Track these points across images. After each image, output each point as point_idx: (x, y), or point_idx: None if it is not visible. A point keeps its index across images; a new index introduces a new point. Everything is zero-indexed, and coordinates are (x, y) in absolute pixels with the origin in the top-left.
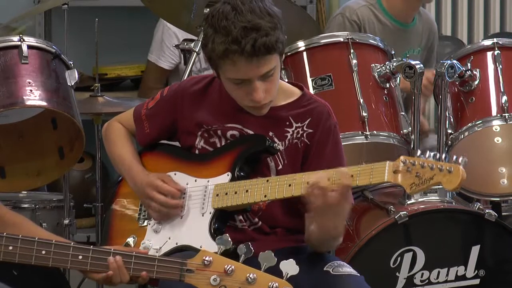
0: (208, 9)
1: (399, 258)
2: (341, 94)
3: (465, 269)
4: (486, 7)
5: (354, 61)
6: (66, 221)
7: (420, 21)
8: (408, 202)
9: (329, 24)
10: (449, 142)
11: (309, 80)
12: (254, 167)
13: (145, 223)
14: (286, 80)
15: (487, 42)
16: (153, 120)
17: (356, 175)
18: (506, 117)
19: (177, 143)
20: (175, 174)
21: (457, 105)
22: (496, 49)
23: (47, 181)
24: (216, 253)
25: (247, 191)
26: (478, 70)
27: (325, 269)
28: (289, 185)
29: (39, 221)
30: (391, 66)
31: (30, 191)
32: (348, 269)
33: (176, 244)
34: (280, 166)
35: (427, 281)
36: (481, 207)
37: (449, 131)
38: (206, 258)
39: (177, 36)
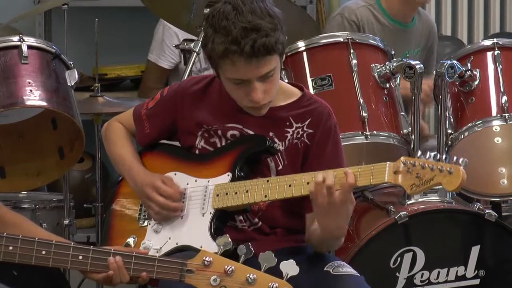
0: (208, 9)
1: (399, 258)
2: (341, 94)
3: (465, 269)
4: (486, 7)
5: (354, 61)
6: (66, 221)
7: (419, 22)
8: (408, 202)
9: (328, 24)
10: (449, 142)
11: (309, 80)
12: (254, 167)
13: (145, 223)
14: (286, 81)
15: (487, 42)
16: (153, 120)
17: (356, 176)
18: (506, 117)
19: (177, 143)
20: (175, 174)
21: (457, 105)
22: (496, 49)
23: (47, 181)
24: (216, 253)
25: (247, 191)
26: (478, 70)
27: (325, 269)
28: (289, 186)
29: (39, 221)
30: (391, 66)
31: (30, 191)
32: (348, 269)
33: (176, 244)
34: (280, 167)
35: (427, 281)
36: (481, 207)
37: (449, 131)
38: (206, 259)
39: (178, 36)
